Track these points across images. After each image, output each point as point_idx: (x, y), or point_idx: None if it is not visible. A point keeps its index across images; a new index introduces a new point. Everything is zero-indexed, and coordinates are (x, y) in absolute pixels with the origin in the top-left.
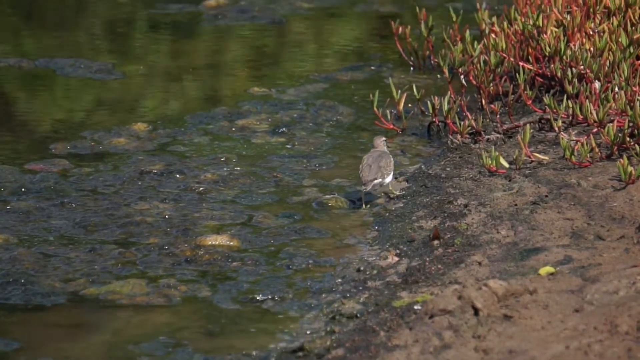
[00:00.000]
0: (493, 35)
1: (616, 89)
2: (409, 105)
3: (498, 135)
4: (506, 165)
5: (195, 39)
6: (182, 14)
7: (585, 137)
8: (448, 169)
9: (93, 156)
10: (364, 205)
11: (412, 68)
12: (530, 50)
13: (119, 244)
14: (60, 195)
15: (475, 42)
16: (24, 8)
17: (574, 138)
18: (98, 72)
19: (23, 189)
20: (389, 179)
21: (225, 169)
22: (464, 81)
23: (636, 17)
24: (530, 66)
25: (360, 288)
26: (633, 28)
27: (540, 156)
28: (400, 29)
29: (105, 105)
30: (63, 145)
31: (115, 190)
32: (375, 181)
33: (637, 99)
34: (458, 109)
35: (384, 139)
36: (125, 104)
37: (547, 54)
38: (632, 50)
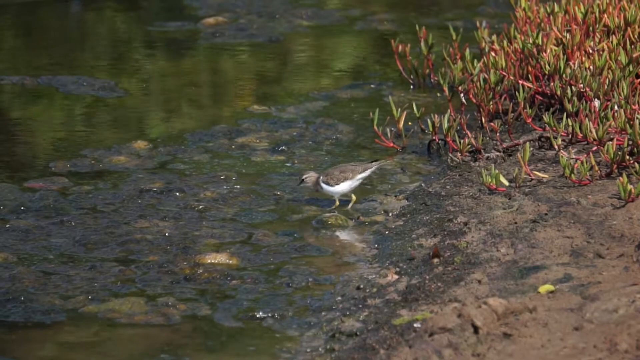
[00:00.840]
0: (493, 54)
1: (615, 107)
2: (409, 123)
3: (498, 153)
4: (506, 183)
5: (194, 56)
6: (181, 31)
7: (585, 155)
8: (448, 187)
9: (93, 174)
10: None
11: (412, 86)
12: (530, 68)
13: (118, 262)
14: (59, 214)
15: (475, 61)
16: (26, 27)
17: (573, 156)
18: (101, 89)
19: (22, 207)
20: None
21: (225, 187)
22: (464, 99)
23: (635, 36)
24: (530, 84)
25: (360, 306)
26: (632, 46)
27: (540, 174)
28: (400, 47)
29: (106, 123)
30: (63, 163)
31: (115, 208)
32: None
33: (637, 117)
34: (458, 127)
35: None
36: (125, 121)
37: (546, 72)
38: (631, 68)
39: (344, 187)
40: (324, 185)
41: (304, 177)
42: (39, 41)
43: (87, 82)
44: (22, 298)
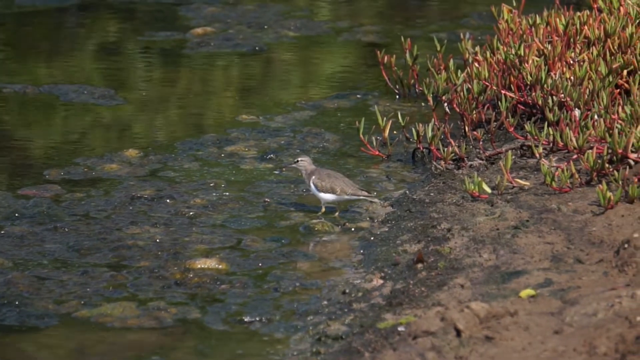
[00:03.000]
0: (476, 64)
1: (595, 117)
2: (394, 132)
3: (481, 161)
4: (488, 190)
5: (181, 66)
6: (169, 41)
7: (566, 163)
8: (432, 194)
9: (86, 182)
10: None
11: (397, 96)
12: (512, 78)
13: (110, 267)
14: (53, 220)
15: (459, 71)
16: (24, 36)
17: (554, 164)
18: (100, 97)
19: (17, 214)
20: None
21: (214, 194)
22: (447, 109)
23: (615, 47)
24: (512, 94)
25: (346, 310)
26: (612, 57)
27: (522, 182)
28: (386, 58)
29: (100, 132)
30: (57, 171)
31: (107, 215)
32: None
33: (616, 127)
34: (442, 136)
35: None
36: (118, 130)
37: (528, 82)
38: (611, 79)
39: (327, 197)
40: (312, 184)
41: (299, 158)
42: (38, 50)
43: (88, 91)
44: (17, 302)
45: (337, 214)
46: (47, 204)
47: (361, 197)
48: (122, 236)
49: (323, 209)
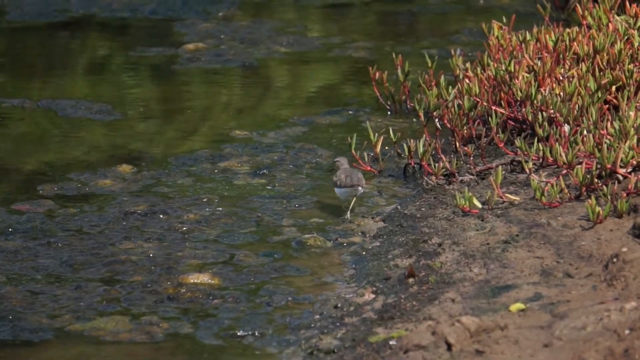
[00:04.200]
0: (467, 80)
1: (585, 132)
2: (386, 147)
3: (471, 176)
4: (479, 205)
5: (171, 82)
6: (159, 57)
7: (555, 178)
8: (423, 209)
9: (79, 197)
10: (349, 214)
11: (389, 112)
12: (502, 94)
13: (103, 282)
14: (46, 235)
15: (450, 87)
16: (17, 51)
17: (544, 179)
18: (98, 113)
19: (10, 229)
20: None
21: (207, 209)
22: (438, 124)
23: (604, 63)
24: (502, 110)
25: (338, 324)
26: (601, 73)
27: (512, 197)
28: (378, 74)
29: (94, 147)
30: (50, 186)
31: (101, 230)
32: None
33: (605, 142)
34: (433, 151)
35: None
36: (112, 145)
37: (518, 98)
38: (600, 94)
39: (336, 191)
40: (333, 179)
41: (336, 159)
42: (32, 65)
43: (85, 106)
44: (11, 317)
45: (348, 215)
46: (41, 219)
47: (350, 187)
48: (115, 251)
49: (348, 205)
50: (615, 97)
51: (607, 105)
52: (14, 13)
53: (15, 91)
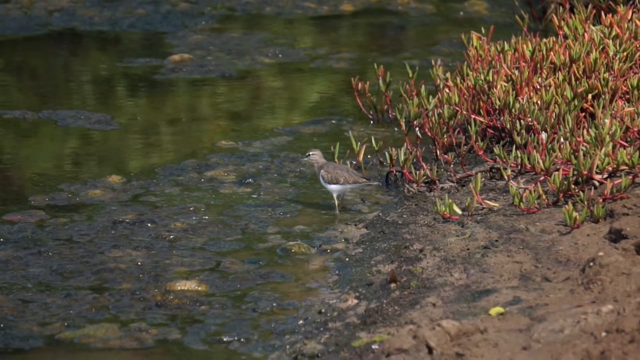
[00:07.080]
0: (447, 90)
1: (562, 140)
2: (368, 156)
3: (452, 183)
4: (459, 212)
5: (154, 93)
6: (143, 67)
7: (533, 184)
8: (405, 216)
9: (69, 207)
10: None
11: (371, 121)
12: (481, 103)
13: (93, 290)
14: (37, 245)
15: (430, 97)
16: (15, 63)
17: (522, 186)
18: (97, 123)
19: (1, 239)
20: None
21: (194, 217)
22: (419, 133)
23: (580, 72)
24: (481, 118)
25: (322, 329)
26: (577, 82)
27: (491, 203)
28: (360, 84)
29: (85, 158)
30: (42, 196)
31: (90, 239)
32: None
33: (581, 149)
34: (414, 160)
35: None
36: (102, 156)
37: (497, 107)
38: (576, 103)
39: (333, 187)
40: (320, 177)
41: (310, 152)
42: (29, 76)
43: (85, 116)
44: (2, 325)
45: (337, 210)
46: (32, 229)
47: (363, 184)
48: (104, 259)
49: (337, 202)
50: (591, 105)
51: (583, 113)
52: None
53: (20, 102)
